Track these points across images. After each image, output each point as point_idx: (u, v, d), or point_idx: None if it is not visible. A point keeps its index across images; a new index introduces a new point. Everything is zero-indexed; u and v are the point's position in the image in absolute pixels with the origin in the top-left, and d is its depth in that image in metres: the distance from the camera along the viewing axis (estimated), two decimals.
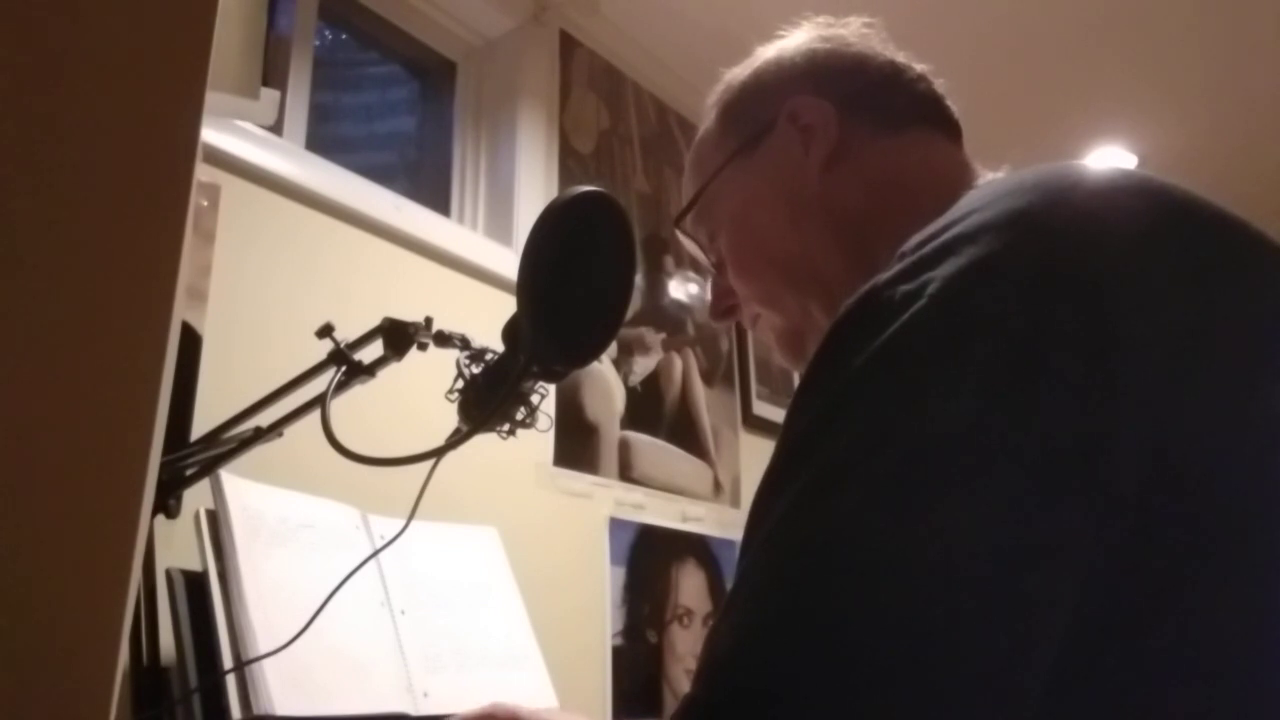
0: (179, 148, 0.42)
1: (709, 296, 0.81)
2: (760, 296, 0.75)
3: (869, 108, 0.70)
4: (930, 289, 0.42)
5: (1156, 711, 0.40)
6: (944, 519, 0.38)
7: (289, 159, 1.38)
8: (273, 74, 1.09)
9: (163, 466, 0.86)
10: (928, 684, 0.36)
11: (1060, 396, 0.39)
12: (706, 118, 0.79)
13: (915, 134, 0.70)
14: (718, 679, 0.39)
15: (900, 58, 0.74)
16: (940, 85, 0.74)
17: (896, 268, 0.45)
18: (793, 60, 0.74)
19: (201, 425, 1.02)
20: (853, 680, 0.36)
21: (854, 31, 0.75)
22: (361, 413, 0.96)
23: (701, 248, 0.79)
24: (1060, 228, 0.44)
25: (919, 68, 0.74)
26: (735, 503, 2.09)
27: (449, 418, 0.76)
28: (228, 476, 0.94)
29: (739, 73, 0.77)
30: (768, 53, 0.76)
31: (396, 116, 1.97)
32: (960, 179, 0.66)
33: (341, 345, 0.82)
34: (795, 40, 0.76)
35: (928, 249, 0.45)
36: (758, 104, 0.74)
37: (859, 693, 0.36)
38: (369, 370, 0.83)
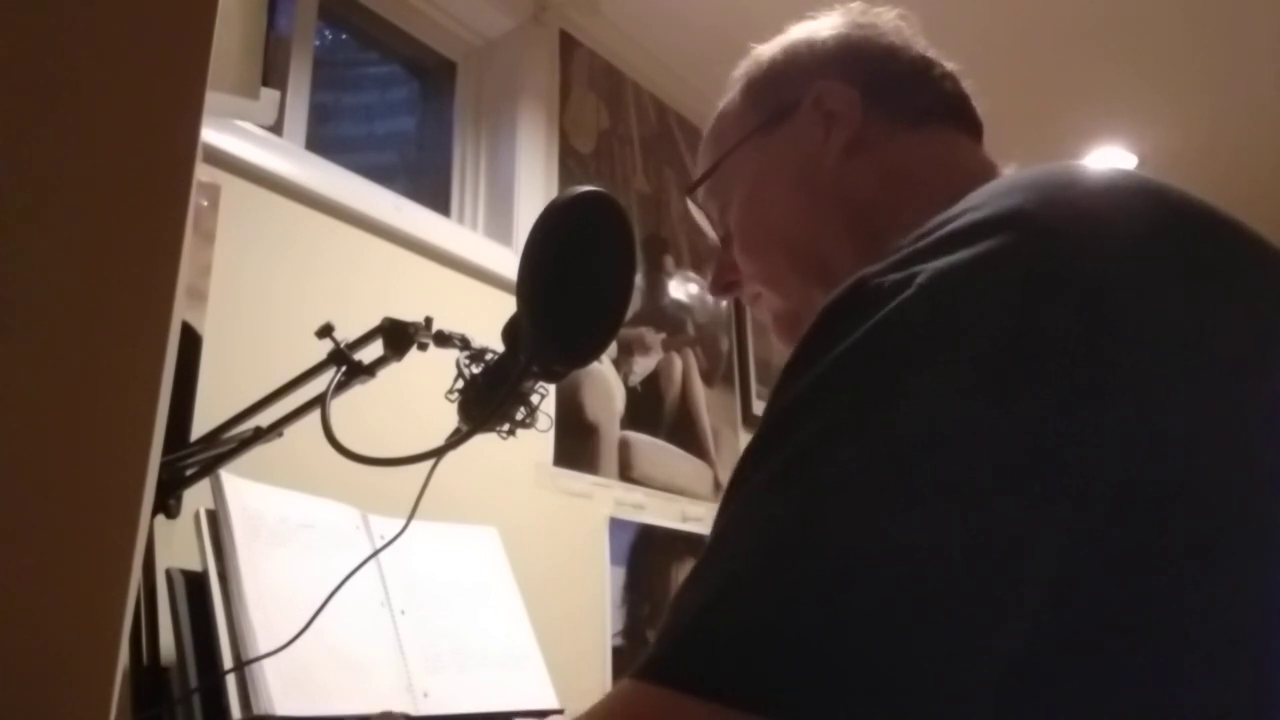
0: (179, 148, 0.42)
1: (712, 270, 0.80)
2: (764, 276, 0.74)
3: (893, 100, 0.70)
4: (919, 280, 0.42)
5: (1154, 706, 0.40)
6: (912, 509, 0.38)
7: (289, 159, 1.38)
8: (273, 74, 1.09)
9: (163, 466, 0.86)
10: (882, 670, 0.35)
11: (1040, 395, 0.39)
12: (730, 89, 0.78)
13: (936, 130, 0.70)
14: (674, 644, 0.39)
15: (931, 53, 0.73)
16: (968, 86, 0.73)
17: (887, 259, 0.45)
18: (824, 43, 0.73)
19: (201, 425, 1.02)
20: (806, 661, 0.36)
21: (888, 22, 0.74)
22: (361, 413, 0.96)
23: (710, 220, 0.79)
24: (1055, 226, 0.44)
25: (948, 66, 0.73)
26: None
27: (449, 418, 0.76)
28: (228, 476, 0.94)
29: (769, 49, 0.77)
30: (800, 32, 0.76)
31: (396, 116, 1.97)
32: (976, 177, 0.66)
33: (341, 345, 0.82)
34: (829, 23, 0.75)
35: (921, 243, 0.45)
36: (784, 83, 0.73)
37: (810, 674, 0.35)
38: (369, 370, 0.83)
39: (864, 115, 0.69)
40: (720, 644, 0.37)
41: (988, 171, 0.68)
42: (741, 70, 0.78)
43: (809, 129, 0.71)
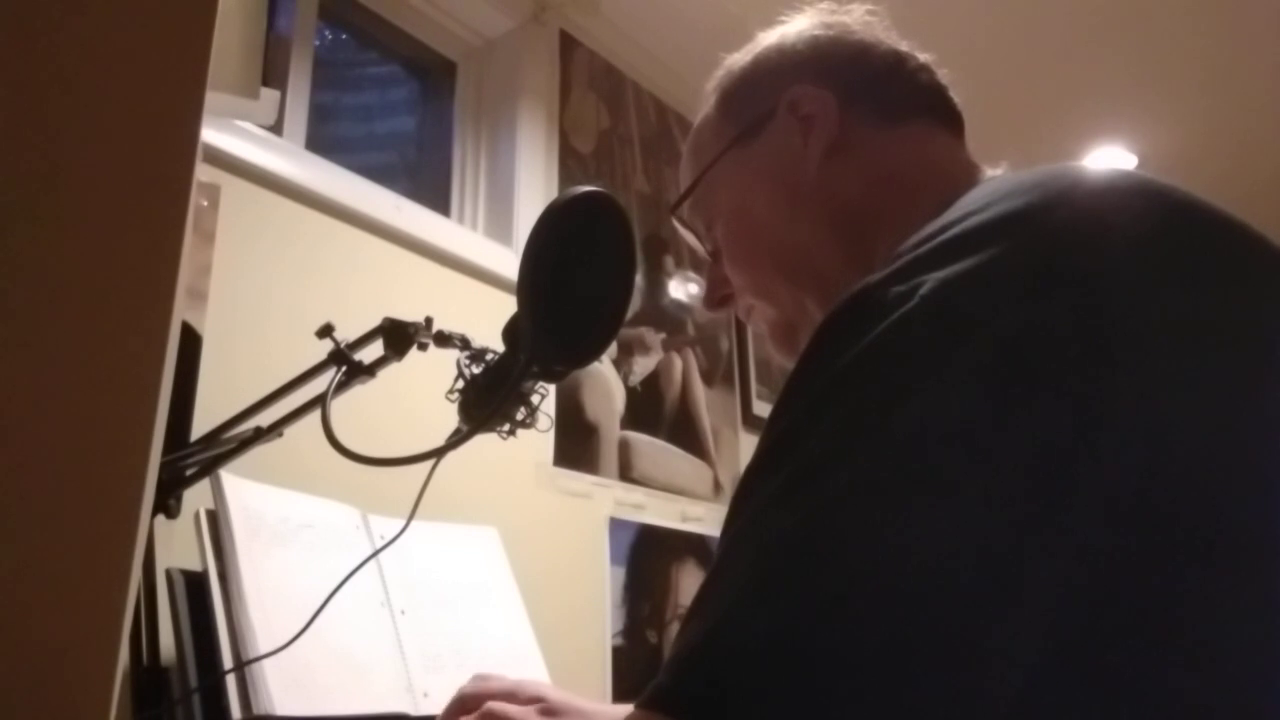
0: (179, 148, 0.42)
1: (705, 286, 0.79)
2: (754, 288, 0.74)
3: (870, 98, 0.69)
4: (922, 290, 0.42)
5: (1163, 709, 0.39)
6: (919, 519, 0.37)
7: (289, 159, 1.38)
8: (273, 74, 1.09)
9: (163, 466, 0.86)
10: (896, 684, 0.35)
11: (1047, 401, 0.39)
12: (706, 102, 0.77)
13: (916, 126, 0.69)
14: (682, 671, 0.39)
15: (903, 47, 0.72)
16: (943, 75, 0.73)
17: (890, 268, 0.45)
18: (794, 47, 0.73)
19: (201, 425, 1.02)
20: (817, 681, 0.35)
21: (857, 19, 0.73)
22: (361, 413, 0.96)
23: (698, 236, 0.78)
24: (1059, 228, 0.43)
25: (922, 57, 0.72)
26: None
27: (449, 418, 0.76)
28: (228, 476, 0.94)
29: (740, 58, 0.76)
30: (769, 38, 0.75)
31: (396, 116, 1.97)
32: (960, 175, 0.65)
33: (341, 345, 0.82)
34: (797, 26, 0.74)
35: (922, 250, 0.44)
36: (758, 91, 0.73)
37: (821, 695, 0.35)
38: (369, 370, 0.83)
39: (841, 116, 0.68)
40: (722, 671, 0.37)
41: (970, 169, 0.68)
42: (714, 82, 0.77)
43: (787, 135, 0.70)
